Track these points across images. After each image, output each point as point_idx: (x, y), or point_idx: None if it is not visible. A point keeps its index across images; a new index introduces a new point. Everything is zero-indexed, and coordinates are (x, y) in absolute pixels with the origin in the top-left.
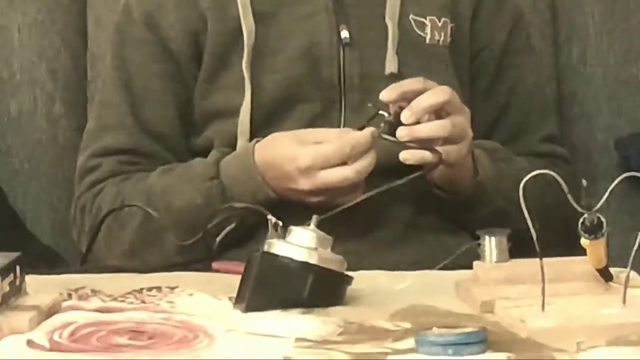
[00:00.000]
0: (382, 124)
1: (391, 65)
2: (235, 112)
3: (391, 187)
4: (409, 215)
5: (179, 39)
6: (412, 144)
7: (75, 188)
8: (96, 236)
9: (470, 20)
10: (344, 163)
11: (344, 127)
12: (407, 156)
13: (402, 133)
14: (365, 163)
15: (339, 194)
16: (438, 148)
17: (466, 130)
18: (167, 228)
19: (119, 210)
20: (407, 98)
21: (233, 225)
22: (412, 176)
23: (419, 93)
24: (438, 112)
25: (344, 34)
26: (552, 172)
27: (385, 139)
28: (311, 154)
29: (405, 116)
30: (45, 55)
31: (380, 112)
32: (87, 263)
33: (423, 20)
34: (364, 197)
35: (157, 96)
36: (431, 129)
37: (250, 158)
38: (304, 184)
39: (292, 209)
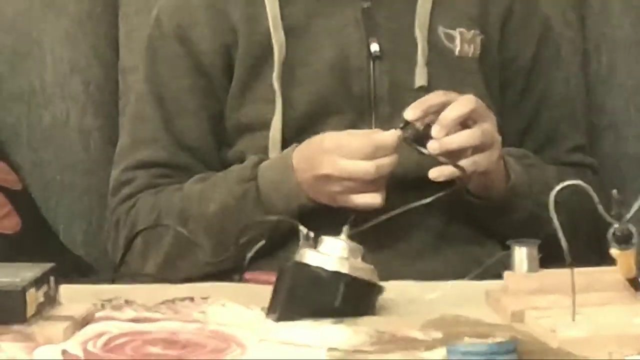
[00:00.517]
0: (409, 131)
1: (421, 78)
2: (266, 125)
3: (418, 205)
4: (439, 224)
5: (210, 52)
6: (441, 157)
7: (109, 201)
8: (129, 248)
9: (500, 32)
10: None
11: None
12: (437, 174)
13: (433, 146)
14: (387, 161)
15: (358, 189)
16: (467, 159)
17: (494, 136)
18: (199, 240)
19: (156, 222)
20: (433, 112)
21: (263, 242)
22: (439, 194)
23: (443, 105)
24: (464, 122)
25: (374, 47)
26: (583, 183)
27: (414, 147)
28: (335, 138)
29: (435, 131)
30: (78, 67)
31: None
32: (120, 273)
33: (452, 32)
34: (393, 213)
35: (190, 109)
36: (461, 139)
37: (288, 161)
38: (326, 166)
39: (323, 220)
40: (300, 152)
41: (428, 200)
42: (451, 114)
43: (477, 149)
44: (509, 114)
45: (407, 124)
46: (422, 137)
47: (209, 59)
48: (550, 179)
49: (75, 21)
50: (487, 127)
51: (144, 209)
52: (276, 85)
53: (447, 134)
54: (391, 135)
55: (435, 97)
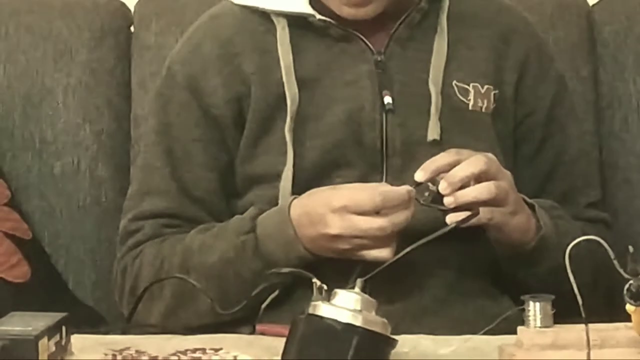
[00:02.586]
0: (427, 193)
1: (433, 131)
2: (277, 177)
3: (424, 242)
4: (452, 278)
5: (222, 103)
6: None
7: (117, 250)
8: (139, 300)
9: (515, 88)
10: (377, 214)
11: None
12: (454, 219)
13: (448, 201)
14: (401, 217)
15: (369, 245)
16: (483, 208)
17: (509, 193)
18: (202, 285)
19: (159, 271)
20: (444, 171)
21: (277, 292)
22: (445, 229)
23: (453, 165)
24: (478, 179)
25: (387, 99)
26: (600, 239)
27: (434, 207)
28: (345, 195)
29: (442, 187)
30: (90, 116)
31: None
32: (130, 324)
33: (466, 86)
34: (400, 255)
35: (199, 160)
36: (475, 192)
37: (285, 212)
38: (335, 226)
39: (330, 272)
40: (301, 207)
41: (427, 239)
42: (459, 172)
43: (491, 204)
44: (524, 170)
45: (419, 184)
46: (438, 194)
47: (220, 110)
48: (576, 232)
49: (88, 70)
50: (501, 184)
51: (147, 258)
52: (288, 137)
53: (452, 192)
54: (400, 191)
55: (445, 157)
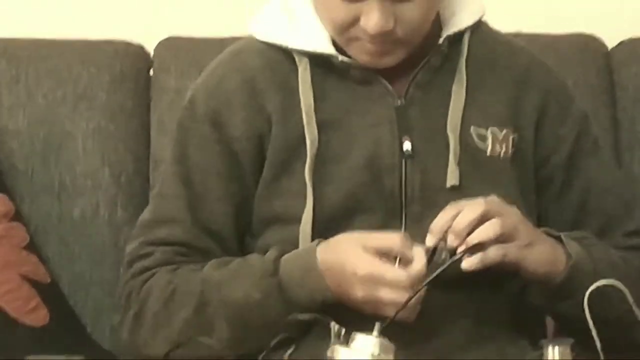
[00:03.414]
0: (443, 255)
1: (452, 177)
2: (295, 219)
3: (436, 275)
4: (470, 325)
5: (243, 139)
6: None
7: (122, 274)
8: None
9: (534, 130)
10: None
11: None
12: (467, 265)
13: (460, 250)
14: (423, 292)
15: (391, 310)
16: (494, 247)
17: (517, 226)
18: (217, 326)
19: (169, 299)
20: (450, 227)
21: (293, 348)
22: (451, 261)
23: (456, 217)
24: (483, 221)
25: (406, 145)
26: (617, 282)
27: (446, 264)
28: (370, 266)
29: (450, 240)
30: (109, 160)
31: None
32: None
33: (484, 131)
34: (411, 297)
35: (216, 194)
36: (481, 233)
37: (312, 258)
38: (360, 293)
39: (350, 314)
40: (328, 258)
41: (437, 272)
42: (462, 221)
43: (502, 240)
44: (553, 210)
45: (435, 248)
46: (452, 250)
47: (241, 146)
48: (613, 257)
49: (107, 113)
50: (506, 219)
51: (158, 285)
52: (308, 180)
53: (462, 242)
54: (423, 267)
55: (446, 213)
